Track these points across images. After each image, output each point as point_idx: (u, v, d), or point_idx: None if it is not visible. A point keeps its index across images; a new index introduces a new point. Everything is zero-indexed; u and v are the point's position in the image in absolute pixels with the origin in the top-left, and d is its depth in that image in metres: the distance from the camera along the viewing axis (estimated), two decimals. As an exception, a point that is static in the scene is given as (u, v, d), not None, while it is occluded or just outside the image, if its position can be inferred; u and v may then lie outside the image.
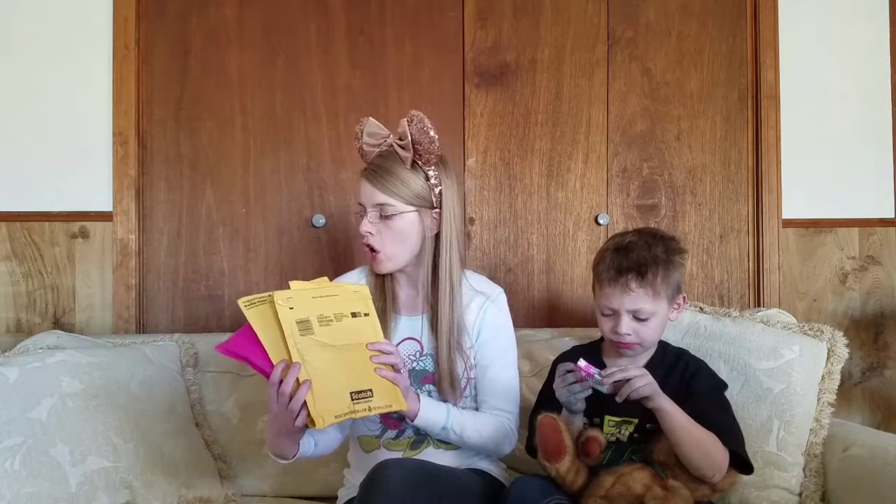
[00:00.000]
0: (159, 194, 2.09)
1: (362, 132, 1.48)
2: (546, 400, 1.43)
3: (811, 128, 2.20)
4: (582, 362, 1.30)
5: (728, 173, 2.19)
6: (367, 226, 1.43)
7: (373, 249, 1.44)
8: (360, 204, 1.46)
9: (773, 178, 2.17)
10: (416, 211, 1.44)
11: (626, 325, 1.37)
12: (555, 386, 1.35)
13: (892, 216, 2.23)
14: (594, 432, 1.34)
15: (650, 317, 1.37)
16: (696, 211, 2.19)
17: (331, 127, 2.11)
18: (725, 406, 1.41)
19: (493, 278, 2.06)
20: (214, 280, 2.10)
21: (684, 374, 1.42)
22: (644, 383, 1.27)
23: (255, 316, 1.19)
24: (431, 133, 1.41)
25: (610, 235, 2.14)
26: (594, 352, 1.49)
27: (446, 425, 1.39)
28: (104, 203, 2.06)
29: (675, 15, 2.18)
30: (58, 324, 2.04)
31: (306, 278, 2.06)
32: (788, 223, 2.19)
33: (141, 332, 2.05)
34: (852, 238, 2.22)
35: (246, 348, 1.20)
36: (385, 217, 1.42)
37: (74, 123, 2.05)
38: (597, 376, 1.28)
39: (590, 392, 1.31)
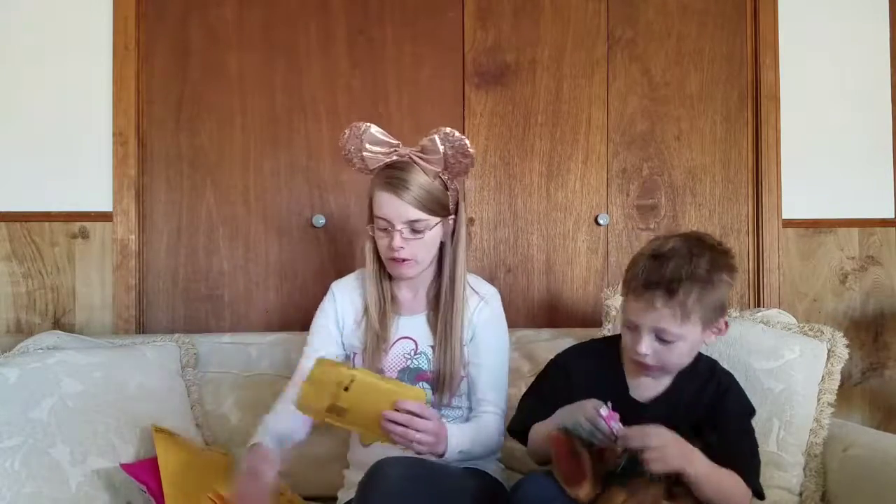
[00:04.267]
0: (159, 194, 2.09)
1: (360, 139, 1.45)
2: (539, 399, 1.38)
3: (811, 128, 2.20)
4: (605, 410, 1.18)
5: (728, 173, 2.19)
6: (399, 241, 1.41)
7: (404, 260, 1.43)
8: (381, 218, 1.42)
9: (773, 178, 2.17)
10: (440, 221, 1.45)
11: (646, 345, 1.23)
12: (577, 419, 1.21)
13: (892, 216, 2.23)
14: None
15: (676, 340, 1.22)
16: (696, 211, 2.18)
17: (331, 127, 2.11)
18: (750, 433, 1.32)
19: (493, 279, 2.08)
20: (214, 280, 2.10)
21: (717, 392, 1.31)
22: (658, 457, 1.14)
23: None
24: (471, 150, 1.41)
25: (609, 236, 2.16)
26: (613, 359, 1.35)
27: (463, 449, 1.38)
28: (104, 203, 2.05)
29: (675, 15, 2.18)
30: (58, 324, 2.04)
31: (306, 278, 2.09)
32: (788, 223, 2.19)
33: (141, 332, 2.05)
34: (852, 238, 2.22)
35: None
36: (416, 231, 1.42)
37: (74, 123, 2.05)
38: (615, 427, 1.16)
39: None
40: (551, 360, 1.46)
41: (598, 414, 1.16)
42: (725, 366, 1.58)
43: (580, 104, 2.16)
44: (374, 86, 2.12)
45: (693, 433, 1.26)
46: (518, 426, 1.41)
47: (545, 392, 1.40)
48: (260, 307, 2.11)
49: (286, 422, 1.43)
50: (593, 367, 1.35)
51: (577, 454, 1.21)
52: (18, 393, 1.47)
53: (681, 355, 1.24)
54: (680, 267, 1.19)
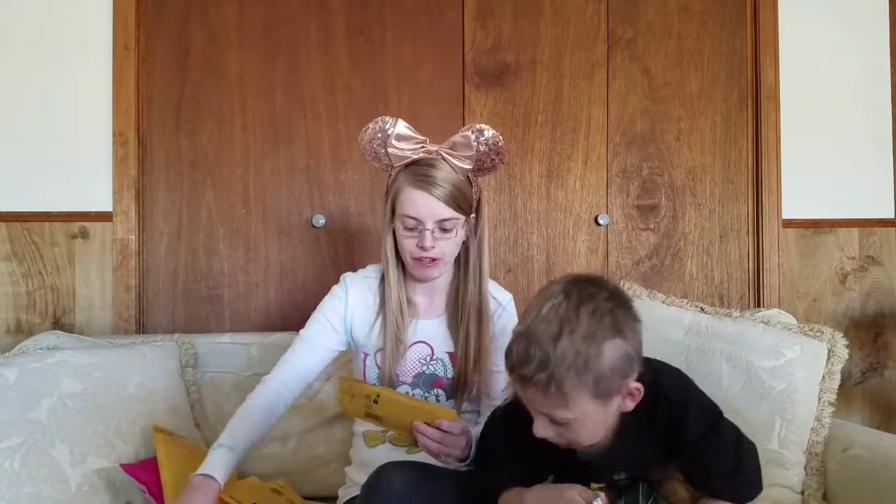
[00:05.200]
0: (159, 194, 2.09)
1: (386, 134, 1.39)
2: (492, 458, 1.27)
3: (811, 128, 2.20)
4: (599, 502, 1.06)
5: (728, 173, 2.19)
6: (430, 241, 1.36)
7: (433, 260, 1.39)
8: (411, 217, 1.36)
9: (773, 178, 2.17)
10: (466, 219, 1.42)
11: (542, 428, 1.06)
12: None
13: (892, 216, 2.23)
14: (585, 493, 1.11)
15: (570, 421, 1.05)
16: (696, 211, 2.18)
17: (331, 127, 2.11)
18: (725, 446, 1.15)
19: (493, 279, 2.08)
20: (214, 280, 2.10)
21: (670, 418, 1.14)
22: None
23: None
24: (503, 148, 1.39)
25: (609, 236, 2.16)
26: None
27: None
28: (104, 203, 2.05)
29: (675, 15, 2.18)
30: (58, 324, 2.04)
31: (306, 278, 2.10)
32: (788, 223, 2.19)
33: (141, 332, 2.05)
34: (852, 238, 2.22)
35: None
36: (446, 230, 1.38)
37: (74, 123, 2.05)
38: None
39: None
40: (493, 413, 1.33)
41: None
42: (727, 363, 1.59)
43: (580, 104, 2.16)
44: (374, 86, 2.12)
45: (665, 458, 1.18)
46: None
47: (495, 448, 1.27)
48: (260, 307, 2.10)
49: (259, 427, 1.37)
50: (521, 427, 1.14)
51: None
52: (18, 393, 1.46)
53: (589, 432, 1.07)
54: (546, 355, 1.00)
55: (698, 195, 2.18)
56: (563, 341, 1.00)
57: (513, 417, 1.16)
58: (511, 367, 1.05)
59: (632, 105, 2.17)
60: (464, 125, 2.10)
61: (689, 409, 1.13)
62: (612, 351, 1.02)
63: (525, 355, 1.01)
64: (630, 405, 1.09)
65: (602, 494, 1.06)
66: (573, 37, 2.16)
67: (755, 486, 1.18)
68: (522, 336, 1.03)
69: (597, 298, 1.04)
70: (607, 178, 2.16)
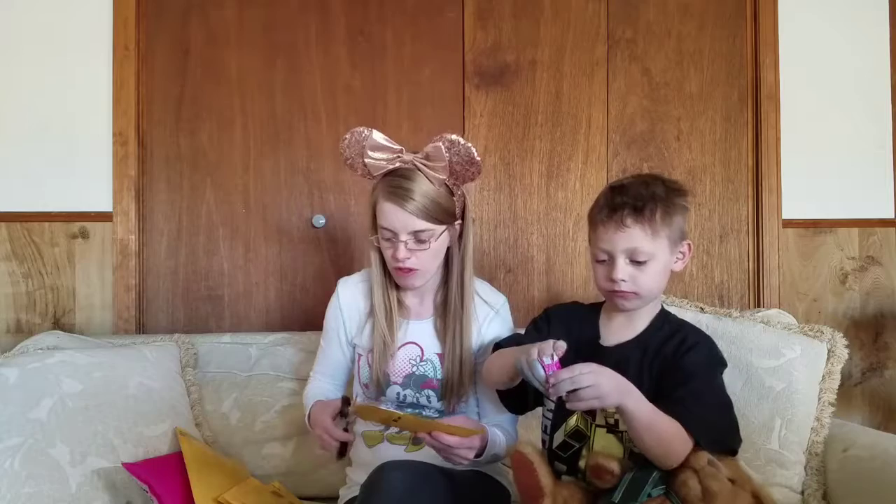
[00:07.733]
0: (159, 194, 2.09)
1: (361, 145, 1.40)
2: (516, 341, 1.35)
3: (811, 128, 2.20)
4: (548, 359, 1.11)
5: (728, 173, 2.19)
6: (404, 252, 1.38)
7: (409, 269, 1.40)
8: (386, 228, 1.39)
9: (773, 178, 2.17)
10: (446, 228, 1.42)
11: (622, 270, 1.24)
12: (521, 359, 1.15)
13: (892, 216, 2.23)
14: (602, 459, 1.17)
15: (648, 259, 1.24)
16: (696, 211, 2.18)
17: (331, 127, 2.11)
18: (713, 386, 1.25)
19: (492, 279, 2.08)
20: (214, 280, 2.10)
21: (680, 347, 1.27)
22: (595, 395, 1.07)
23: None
24: (477, 158, 1.37)
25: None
26: (593, 314, 1.38)
27: (495, 452, 1.39)
28: (104, 203, 2.06)
29: (675, 15, 2.18)
30: (58, 324, 2.04)
31: (306, 279, 2.10)
32: (788, 223, 2.19)
33: (141, 332, 2.05)
34: (852, 238, 2.22)
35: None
36: (421, 241, 1.39)
37: (74, 124, 2.05)
38: (550, 375, 1.09)
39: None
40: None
41: (538, 359, 1.11)
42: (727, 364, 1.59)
43: (580, 104, 2.16)
44: (374, 86, 2.12)
45: (654, 392, 1.21)
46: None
47: (522, 336, 1.40)
48: (260, 307, 2.11)
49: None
50: (572, 315, 1.38)
51: (531, 469, 1.18)
52: (18, 393, 1.47)
53: (655, 276, 1.26)
54: (640, 190, 1.25)
55: (698, 195, 2.18)
56: (651, 187, 1.26)
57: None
58: (601, 210, 1.26)
59: (632, 105, 2.17)
60: (464, 125, 2.11)
61: (701, 344, 1.28)
62: (682, 209, 1.28)
63: (620, 195, 1.25)
64: (679, 266, 1.30)
65: (554, 357, 1.12)
66: (573, 37, 2.16)
67: (722, 444, 1.21)
68: (613, 189, 1.27)
69: (664, 177, 1.31)
70: (607, 178, 2.16)
